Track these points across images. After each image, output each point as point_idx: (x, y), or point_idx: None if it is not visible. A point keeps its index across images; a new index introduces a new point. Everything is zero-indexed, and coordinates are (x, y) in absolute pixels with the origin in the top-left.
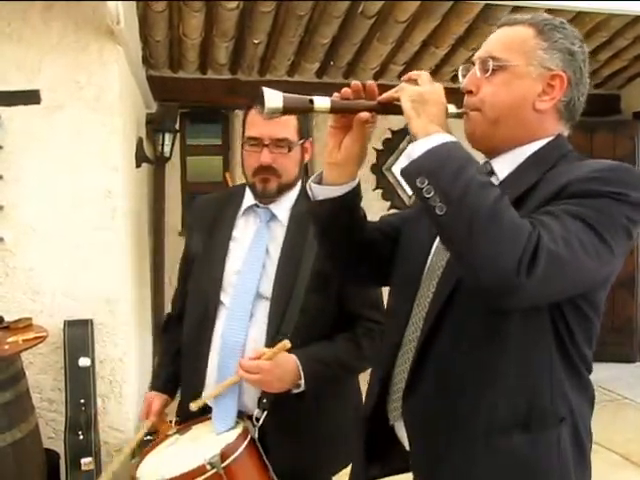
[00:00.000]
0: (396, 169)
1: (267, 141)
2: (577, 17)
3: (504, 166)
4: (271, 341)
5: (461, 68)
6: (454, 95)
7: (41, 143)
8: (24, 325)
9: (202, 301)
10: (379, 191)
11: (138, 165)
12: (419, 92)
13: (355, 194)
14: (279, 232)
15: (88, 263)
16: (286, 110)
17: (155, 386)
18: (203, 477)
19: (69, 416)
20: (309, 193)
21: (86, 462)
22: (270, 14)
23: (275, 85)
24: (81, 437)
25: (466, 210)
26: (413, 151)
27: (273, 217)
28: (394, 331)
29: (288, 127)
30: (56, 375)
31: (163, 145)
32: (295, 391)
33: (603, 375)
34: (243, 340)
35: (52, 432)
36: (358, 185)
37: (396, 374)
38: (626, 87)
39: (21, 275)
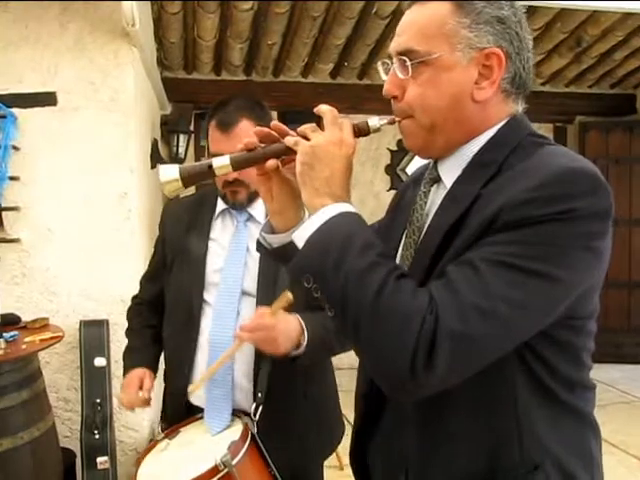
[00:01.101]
0: (410, 170)
1: None
2: (592, 17)
3: (450, 172)
4: None
5: (380, 65)
6: None
7: (57, 144)
8: (40, 325)
9: (185, 301)
10: (393, 192)
11: (153, 166)
12: (312, 150)
13: None
14: (257, 231)
15: (104, 263)
16: (185, 182)
17: (142, 362)
18: (216, 478)
19: (85, 415)
20: (263, 243)
21: (102, 461)
22: (284, 15)
23: (289, 86)
24: (97, 436)
25: (349, 311)
26: (297, 239)
27: (250, 217)
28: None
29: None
30: (72, 375)
31: (178, 146)
32: (294, 353)
33: (619, 376)
34: (232, 337)
35: (68, 431)
36: None
37: None
38: None
39: (38, 275)
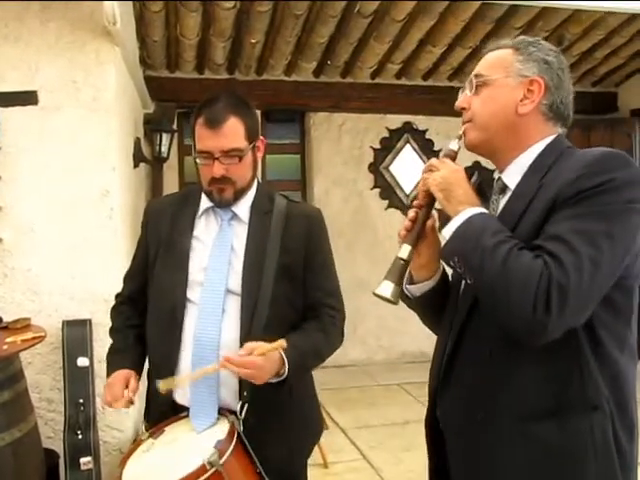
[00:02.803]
0: (394, 168)
1: (217, 154)
2: (574, 15)
3: (512, 178)
4: (245, 335)
5: (460, 92)
6: (451, 93)
7: (39, 143)
8: (22, 325)
9: (169, 300)
10: (377, 190)
11: (136, 165)
12: (444, 178)
13: (444, 276)
14: (241, 229)
15: (86, 263)
16: (399, 284)
17: (127, 364)
18: (204, 477)
19: (68, 416)
20: (407, 294)
21: (85, 461)
22: (267, 14)
23: (272, 84)
24: (80, 437)
25: (484, 278)
26: (445, 233)
27: (234, 216)
28: (442, 339)
29: (236, 136)
30: (55, 375)
31: (161, 145)
32: (274, 380)
33: None
34: (217, 336)
35: (51, 432)
36: (443, 269)
37: None
38: (623, 85)
39: (19, 275)
